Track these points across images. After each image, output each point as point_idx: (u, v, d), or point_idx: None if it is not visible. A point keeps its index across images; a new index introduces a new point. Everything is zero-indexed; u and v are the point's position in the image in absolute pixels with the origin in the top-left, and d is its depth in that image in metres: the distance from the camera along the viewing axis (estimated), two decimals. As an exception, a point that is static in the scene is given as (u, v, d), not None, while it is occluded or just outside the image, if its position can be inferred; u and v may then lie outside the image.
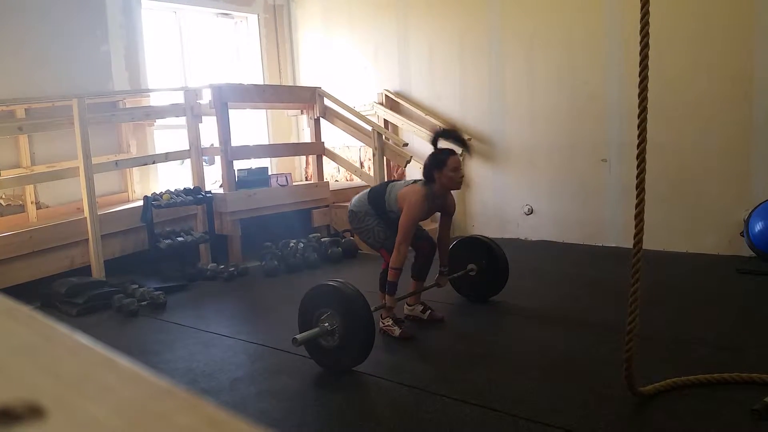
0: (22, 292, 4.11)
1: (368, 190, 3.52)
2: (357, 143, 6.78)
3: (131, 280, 4.61)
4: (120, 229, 5.07)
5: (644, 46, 2.14)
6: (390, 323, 3.27)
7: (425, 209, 3.27)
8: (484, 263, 3.87)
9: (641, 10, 2.11)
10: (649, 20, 2.12)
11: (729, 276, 4.29)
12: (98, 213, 4.81)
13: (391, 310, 3.30)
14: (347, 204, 6.22)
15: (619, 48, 5.23)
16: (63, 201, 5.48)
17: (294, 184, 6.34)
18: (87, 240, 4.74)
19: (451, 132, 3.47)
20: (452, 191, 3.40)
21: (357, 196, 3.53)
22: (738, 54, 4.71)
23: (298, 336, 2.79)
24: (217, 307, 4.33)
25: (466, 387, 2.64)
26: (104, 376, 0.33)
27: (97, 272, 4.72)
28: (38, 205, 5.35)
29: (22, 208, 5.26)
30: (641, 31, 2.13)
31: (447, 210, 3.47)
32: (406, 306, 3.65)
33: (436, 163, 3.25)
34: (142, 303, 4.19)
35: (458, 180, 3.26)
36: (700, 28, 4.86)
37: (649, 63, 2.16)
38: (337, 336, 2.81)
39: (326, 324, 2.83)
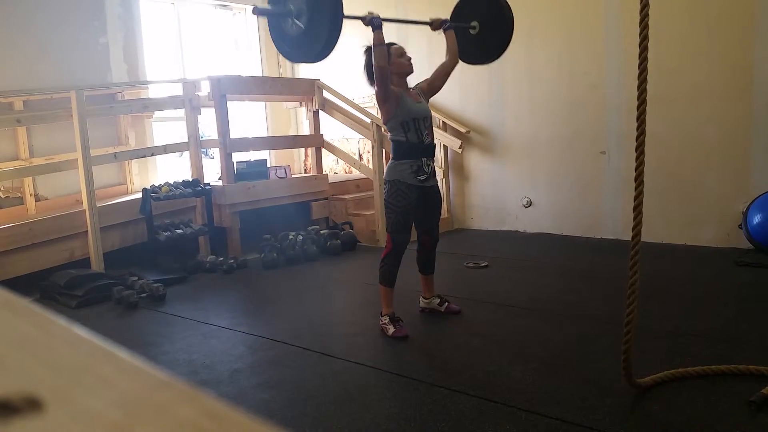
0: (20, 285, 4.11)
1: None
2: (356, 135, 6.77)
3: (130, 272, 4.61)
4: (119, 221, 5.07)
5: (644, 38, 2.13)
6: (386, 321, 3.27)
7: (395, 89, 3.25)
8: (487, 20, 3.66)
9: (641, 1, 2.11)
10: (649, 11, 2.12)
11: (727, 268, 4.30)
12: (97, 205, 4.81)
13: (389, 305, 3.29)
14: (346, 196, 6.29)
15: (618, 39, 5.22)
16: (62, 193, 5.48)
17: (293, 176, 6.33)
18: (86, 232, 4.74)
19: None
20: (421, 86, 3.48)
21: (388, 164, 3.44)
22: (737, 45, 4.70)
23: (258, 7, 2.76)
24: (217, 300, 4.34)
25: (466, 378, 2.65)
26: (103, 368, 0.33)
27: (97, 264, 4.72)
28: (37, 198, 5.35)
29: (21, 201, 5.26)
30: (641, 22, 2.12)
31: (432, 84, 3.53)
32: (421, 299, 3.64)
33: None
34: (142, 295, 4.19)
35: (407, 63, 3.35)
36: (699, 19, 4.84)
37: (648, 54, 2.16)
38: (303, 19, 2.70)
39: (290, 5, 2.73)
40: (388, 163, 3.40)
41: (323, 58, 2.76)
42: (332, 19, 2.67)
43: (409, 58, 3.38)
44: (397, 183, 3.27)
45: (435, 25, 3.55)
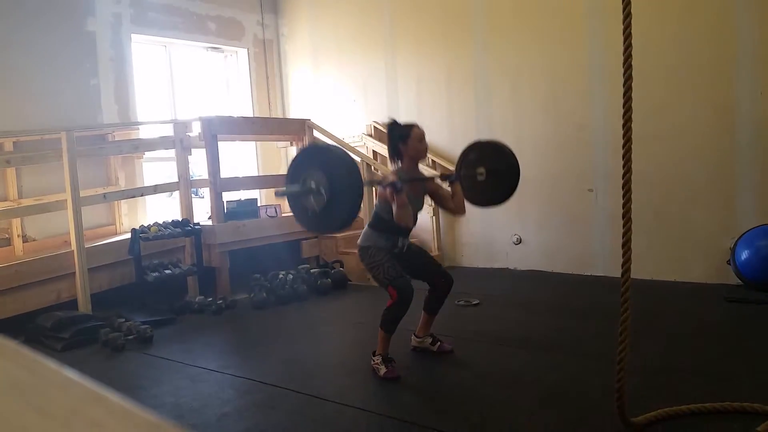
0: (6, 327, 4.04)
1: None
2: (346, 174, 6.80)
3: (118, 314, 4.54)
4: (107, 262, 5.02)
5: (627, 78, 2.18)
6: (378, 361, 3.23)
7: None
8: (493, 167, 3.68)
9: (624, 42, 2.16)
10: (632, 51, 2.17)
11: (717, 304, 4.31)
12: (85, 246, 4.77)
13: (385, 348, 3.26)
14: (336, 234, 6.27)
15: (603, 78, 5.33)
16: (50, 234, 5.43)
17: (283, 215, 6.33)
18: (74, 273, 4.68)
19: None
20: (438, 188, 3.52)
21: (363, 229, 3.44)
22: (720, 84, 4.81)
23: (279, 189, 2.76)
24: (205, 341, 4.28)
25: (459, 419, 2.61)
26: (93, 411, 0.33)
27: (84, 306, 4.66)
28: (25, 239, 5.30)
29: (8, 242, 5.21)
30: (624, 62, 2.17)
31: (435, 196, 3.54)
32: (414, 338, 3.60)
33: (401, 136, 3.30)
34: (129, 337, 4.12)
35: (424, 150, 3.35)
36: (682, 59, 4.97)
37: (632, 94, 2.20)
38: (323, 196, 2.69)
39: (311, 183, 2.73)
40: (365, 229, 3.39)
41: (346, 228, 2.81)
42: (352, 190, 2.72)
43: (426, 146, 3.39)
44: (371, 248, 3.27)
45: (442, 179, 3.61)
